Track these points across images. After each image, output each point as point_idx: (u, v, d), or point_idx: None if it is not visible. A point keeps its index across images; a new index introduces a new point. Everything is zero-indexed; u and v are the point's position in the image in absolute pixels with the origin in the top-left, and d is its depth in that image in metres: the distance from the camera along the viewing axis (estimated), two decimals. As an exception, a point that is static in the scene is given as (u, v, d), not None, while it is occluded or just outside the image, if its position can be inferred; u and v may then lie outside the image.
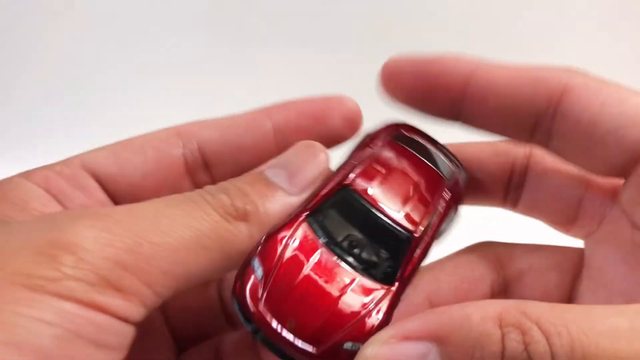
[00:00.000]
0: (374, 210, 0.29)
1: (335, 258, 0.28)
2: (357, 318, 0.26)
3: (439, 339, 0.23)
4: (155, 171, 0.32)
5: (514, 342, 0.22)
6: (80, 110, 0.72)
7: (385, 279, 0.28)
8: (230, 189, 0.27)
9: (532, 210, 0.35)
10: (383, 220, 0.29)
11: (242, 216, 0.27)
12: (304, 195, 0.29)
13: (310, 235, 0.28)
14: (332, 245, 0.28)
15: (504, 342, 0.22)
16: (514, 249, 0.34)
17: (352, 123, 0.34)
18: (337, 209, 0.29)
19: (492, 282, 0.33)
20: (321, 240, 0.28)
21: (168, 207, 0.25)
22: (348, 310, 0.26)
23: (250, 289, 0.26)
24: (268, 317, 0.26)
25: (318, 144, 0.31)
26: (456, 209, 0.33)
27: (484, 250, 0.34)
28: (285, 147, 0.32)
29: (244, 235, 0.27)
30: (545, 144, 0.31)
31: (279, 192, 0.29)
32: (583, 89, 0.29)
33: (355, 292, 0.27)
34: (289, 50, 0.73)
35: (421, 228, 0.29)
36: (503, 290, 0.33)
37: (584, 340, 0.22)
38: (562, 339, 0.22)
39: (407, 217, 0.29)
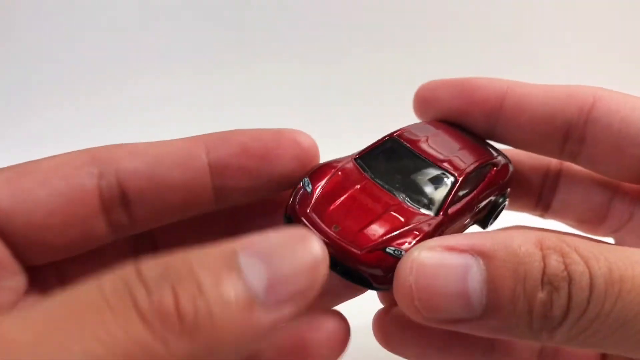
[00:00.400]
0: (419, 155, 0.31)
1: (381, 187, 0.29)
2: (400, 230, 0.27)
3: (483, 254, 0.23)
4: (62, 207, 0.26)
5: (554, 261, 0.23)
6: (79, 111, 0.72)
7: (429, 209, 0.29)
8: (180, 278, 0.18)
9: (563, 212, 0.37)
10: (427, 162, 0.30)
11: (189, 328, 0.17)
12: (282, 314, 0.20)
13: (358, 170, 0.30)
14: (379, 179, 0.30)
15: (545, 260, 0.23)
16: (547, 232, 0.34)
17: (306, 163, 0.29)
18: (384, 155, 0.31)
19: None
20: (369, 175, 0.30)
21: (59, 328, 0.16)
22: (391, 222, 0.27)
23: (300, 199, 0.28)
24: (315, 220, 0.27)
25: (319, 248, 0.21)
26: (505, 192, 0.34)
27: (522, 228, 0.36)
28: (224, 188, 0.28)
29: (180, 357, 0.17)
30: (577, 153, 0.33)
31: (251, 303, 0.19)
32: (612, 98, 0.31)
33: (398, 211, 0.28)
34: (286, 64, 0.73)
35: (465, 174, 0.30)
36: None
37: (620, 265, 0.23)
38: (600, 263, 0.23)
39: (451, 163, 0.31)
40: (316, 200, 0.28)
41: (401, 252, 0.26)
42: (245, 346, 0.19)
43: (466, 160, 0.31)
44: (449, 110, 0.34)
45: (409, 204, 0.29)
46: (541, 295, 0.23)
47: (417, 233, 0.27)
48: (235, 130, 0.29)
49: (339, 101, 0.70)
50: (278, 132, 0.29)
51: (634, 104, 0.31)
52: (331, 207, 0.28)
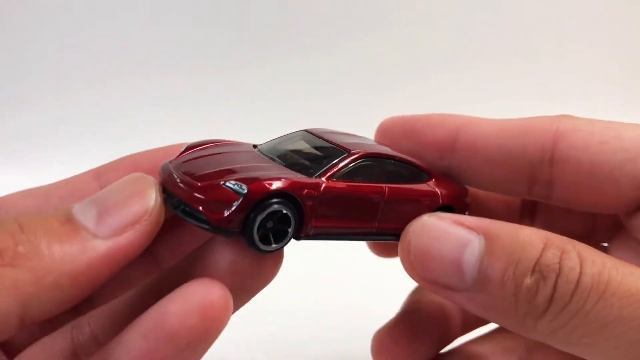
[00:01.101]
0: (322, 139, 0.29)
1: (262, 155, 0.28)
2: (253, 174, 0.25)
3: (487, 235, 0.24)
4: None
5: (551, 254, 0.25)
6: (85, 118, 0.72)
7: (306, 174, 0.27)
8: (2, 223, 0.21)
9: (549, 227, 0.35)
10: (328, 145, 0.29)
11: (9, 259, 0.20)
12: (119, 240, 0.22)
13: (249, 146, 0.29)
14: (265, 152, 0.28)
15: (543, 252, 0.23)
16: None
17: None
18: (287, 141, 0.29)
19: None
20: (256, 150, 0.29)
21: None
22: (249, 169, 0.26)
23: (173, 159, 0.27)
24: (168, 167, 0.27)
25: (150, 178, 0.26)
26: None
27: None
28: None
29: (5, 284, 0.20)
30: (547, 195, 0.31)
31: (79, 233, 0.22)
32: (576, 131, 0.29)
33: (267, 167, 0.26)
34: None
35: (362, 153, 0.28)
36: None
37: (612, 271, 0.24)
38: (595, 266, 0.25)
39: (353, 146, 0.29)
40: (182, 155, 0.28)
41: (241, 186, 0.24)
42: (86, 276, 0.21)
43: (381, 150, 0.29)
44: (404, 147, 0.32)
45: (283, 166, 0.27)
46: (528, 281, 0.24)
47: (268, 179, 0.25)
48: (130, 155, 0.30)
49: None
50: (169, 147, 0.30)
51: (602, 136, 0.29)
52: (193, 159, 0.28)
